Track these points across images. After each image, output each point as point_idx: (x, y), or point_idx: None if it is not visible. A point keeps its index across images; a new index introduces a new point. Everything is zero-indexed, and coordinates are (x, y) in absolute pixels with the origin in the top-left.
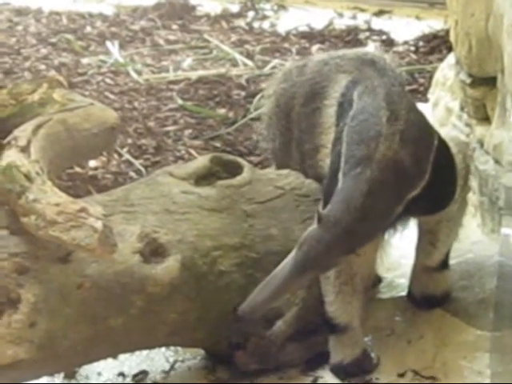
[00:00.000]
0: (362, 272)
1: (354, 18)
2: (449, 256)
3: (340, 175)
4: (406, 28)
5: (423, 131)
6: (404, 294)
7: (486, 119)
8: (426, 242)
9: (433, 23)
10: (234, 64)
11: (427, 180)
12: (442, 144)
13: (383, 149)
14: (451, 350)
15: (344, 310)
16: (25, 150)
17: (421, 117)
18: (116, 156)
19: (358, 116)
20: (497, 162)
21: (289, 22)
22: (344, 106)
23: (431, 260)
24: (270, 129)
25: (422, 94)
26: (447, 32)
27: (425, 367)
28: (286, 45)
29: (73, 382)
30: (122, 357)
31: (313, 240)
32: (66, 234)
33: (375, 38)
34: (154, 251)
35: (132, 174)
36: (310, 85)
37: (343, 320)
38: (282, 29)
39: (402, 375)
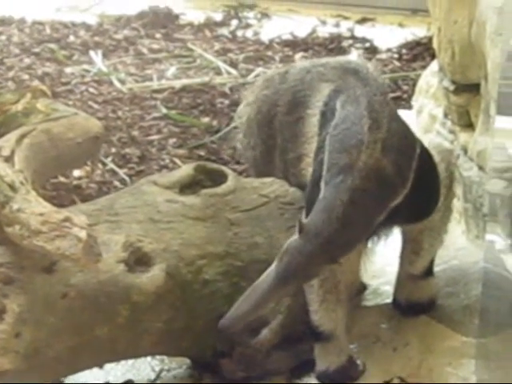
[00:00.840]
0: (345, 280)
1: (337, 25)
2: (433, 263)
3: (322, 184)
4: (389, 35)
5: (405, 140)
6: (389, 301)
7: (469, 126)
8: (410, 250)
9: (416, 30)
10: (218, 72)
11: (409, 189)
12: (425, 152)
13: (365, 157)
14: (437, 357)
15: (328, 318)
16: (9, 159)
17: (403, 125)
18: (100, 165)
19: (340, 125)
20: (481, 168)
21: (272, 30)
22: (327, 115)
23: (415, 268)
24: (249, 137)
25: (406, 101)
26: (430, 39)
27: (410, 374)
28: (270, 53)
29: None
30: (107, 366)
31: (294, 250)
32: (51, 244)
33: (358, 45)
34: (138, 260)
35: (116, 183)
36: (292, 93)
37: (328, 328)
38: (265, 37)
39: (387, 382)
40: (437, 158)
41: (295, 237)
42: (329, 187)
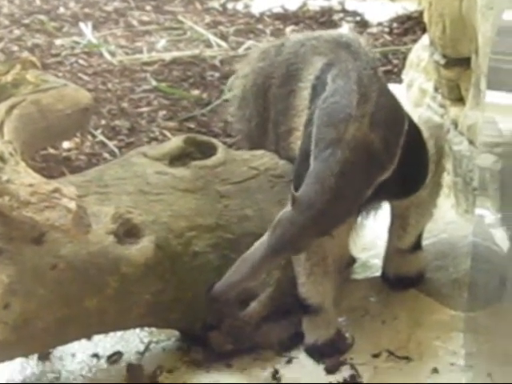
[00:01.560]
0: (333, 253)
1: None
2: (421, 237)
3: (311, 158)
4: (380, 9)
5: (393, 115)
6: (378, 274)
7: (460, 100)
8: (397, 225)
9: (407, 4)
10: (208, 45)
11: (397, 164)
12: (413, 128)
13: (352, 130)
14: (425, 331)
15: (316, 291)
16: None
17: (392, 100)
18: (90, 137)
19: (329, 98)
20: (471, 142)
21: (263, 3)
22: (317, 88)
23: (403, 243)
24: (244, 109)
25: (397, 75)
26: (421, 13)
27: (399, 347)
28: (260, 26)
29: (47, 363)
30: (96, 338)
31: (287, 222)
32: (40, 215)
33: (349, 19)
34: (128, 232)
35: (106, 155)
36: (286, 66)
37: (316, 301)
38: (256, 10)
39: (376, 355)
40: (426, 133)
41: (288, 208)
42: (318, 160)
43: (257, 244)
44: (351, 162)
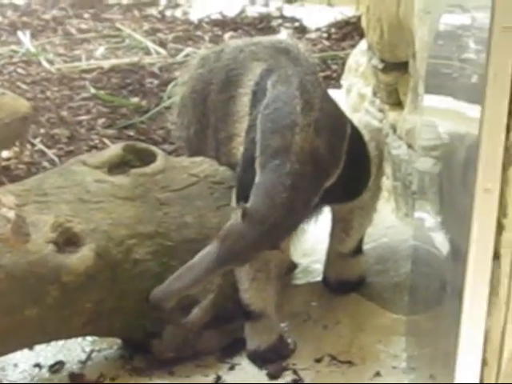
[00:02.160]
0: (275, 259)
1: (266, 5)
2: (362, 241)
3: (257, 165)
4: (318, 15)
5: (337, 120)
6: (320, 279)
7: (398, 104)
8: (339, 229)
9: (345, 10)
10: (147, 52)
11: (341, 168)
12: (355, 132)
13: (299, 140)
14: (367, 335)
15: (259, 297)
16: None
17: (334, 105)
18: (29, 146)
19: (271, 105)
20: (410, 146)
21: (201, 9)
22: (258, 94)
23: (344, 247)
24: (183, 116)
25: (336, 81)
26: (359, 18)
27: (341, 352)
28: (199, 33)
29: None
30: (38, 348)
31: (237, 235)
32: None
33: (288, 25)
34: (67, 240)
35: (45, 163)
36: (225, 72)
37: (258, 307)
38: (194, 17)
39: (318, 360)
40: (367, 136)
41: (237, 221)
42: (267, 171)
43: (202, 253)
44: (300, 172)
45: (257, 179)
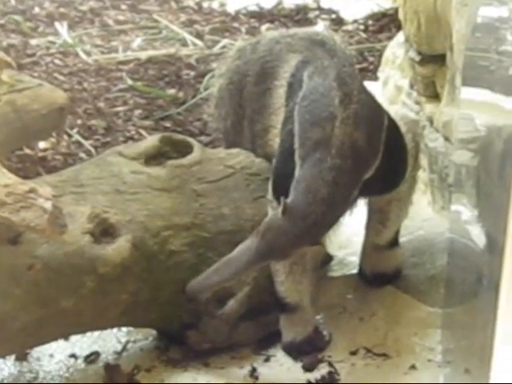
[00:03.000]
0: (311, 251)
1: None
2: (399, 233)
3: (296, 157)
4: (355, 7)
5: (374, 112)
6: (355, 271)
7: (435, 97)
8: (376, 220)
9: (382, 2)
10: (184, 44)
11: (379, 160)
12: (392, 124)
13: (340, 133)
14: (403, 327)
15: (294, 289)
16: None
17: (371, 97)
18: (66, 137)
19: (309, 96)
20: (446, 139)
21: (238, 1)
22: (294, 86)
23: (381, 238)
24: (221, 108)
25: (372, 73)
26: (396, 10)
27: (377, 344)
28: (236, 24)
29: (24, 363)
30: (73, 338)
31: (278, 230)
32: (16, 215)
33: (324, 17)
34: (104, 232)
35: (82, 154)
36: (261, 64)
37: (294, 299)
38: (231, 8)
39: (354, 353)
40: (403, 128)
41: (277, 216)
42: (307, 165)
43: (241, 247)
44: (341, 167)
45: (297, 172)
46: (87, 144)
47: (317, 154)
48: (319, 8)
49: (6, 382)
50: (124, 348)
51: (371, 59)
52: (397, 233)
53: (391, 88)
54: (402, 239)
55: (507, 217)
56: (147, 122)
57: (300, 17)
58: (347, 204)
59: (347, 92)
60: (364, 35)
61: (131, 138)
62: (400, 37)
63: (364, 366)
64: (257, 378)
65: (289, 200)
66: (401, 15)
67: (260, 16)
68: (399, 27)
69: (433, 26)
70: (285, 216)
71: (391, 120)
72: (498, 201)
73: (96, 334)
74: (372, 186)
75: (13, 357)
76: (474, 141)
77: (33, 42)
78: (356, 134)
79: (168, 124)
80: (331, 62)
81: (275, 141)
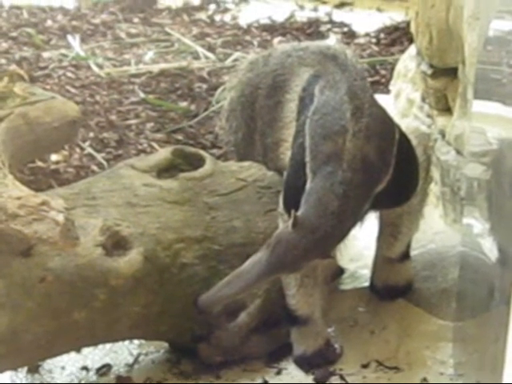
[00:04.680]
0: (323, 264)
1: (315, 10)
2: (410, 247)
3: (307, 170)
4: (367, 20)
5: (385, 125)
6: (367, 284)
7: (447, 110)
8: (388, 233)
9: (394, 15)
10: (196, 57)
11: (391, 174)
12: (403, 137)
13: (351, 147)
14: (414, 340)
15: (305, 302)
16: None
17: (382, 111)
18: (78, 150)
19: (320, 110)
20: (458, 152)
21: (250, 14)
22: (305, 100)
23: (392, 251)
24: (232, 120)
25: (384, 86)
26: (408, 24)
27: (388, 357)
28: (248, 37)
29: (36, 376)
30: (85, 350)
31: (288, 244)
32: (28, 228)
33: (336, 30)
34: (116, 244)
35: (94, 167)
36: (272, 77)
37: (305, 312)
38: (243, 21)
39: (365, 366)
40: (414, 141)
41: (288, 228)
42: (318, 178)
43: (252, 260)
44: (352, 181)
45: (308, 185)
46: (99, 157)
47: (328, 167)
48: (331, 21)
49: None
50: (136, 360)
51: (383, 72)
52: (408, 246)
53: (403, 101)
54: (413, 252)
55: None
56: (159, 135)
57: (312, 30)
58: (358, 217)
59: (358, 105)
60: (376, 48)
61: (143, 151)
62: (412, 50)
63: (375, 379)
64: None
65: (299, 213)
66: (413, 28)
67: (272, 29)
68: (411, 40)
69: (445, 40)
70: (295, 229)
71: (402, 133)
72: (510, 214)
73: (108, 346)
74: (383, 200)
75: (25, 369)
76: (486, 154)
77: (45, 54)
78: (367, 148)
79: (180, 137)
80: (342, 76)
81: (286, 154)
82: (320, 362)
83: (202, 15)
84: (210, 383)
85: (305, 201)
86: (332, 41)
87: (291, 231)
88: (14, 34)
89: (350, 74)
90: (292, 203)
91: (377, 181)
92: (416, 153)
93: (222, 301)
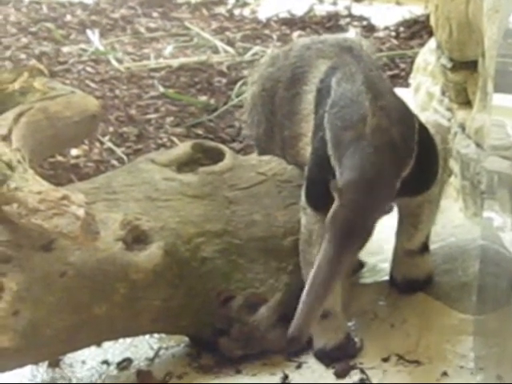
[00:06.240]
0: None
1: (334, 4)
2: (429, 239)
3: (332, 161)
4: (386, 13)
5: (405, 112)
6: (387, 278)
7: (467, 103)
8: (408, 224)
9: (413, 8)
10: (215, 51)
11: (414, 160)
12: (422, 126)
13: (373, 122)
14: (434, 334)
15: None
16: (6, 138)
17: (400, 100)
18: (98, 144)
19: (338, 102)
20: (478, 145)
21: (269, 8)
22: (322, 92)
23: (412, 243)
24: (253, 114)
25: (404, 79)
26: (428, 17)
27: (408, 351)
28: (267, 31)
29: (57, 370)
30: (105, 345)
31: (346, 214)
32: (49, 222)
33: (356, 23)
34: (136, 238)
35: (114, 162)
36: (292, 69)
37: (325, 305)
38: (262, 15)
39: (386, 359)
40: (432, 130)
41: (336, 206)
42: (347, 157)
43: (318, 264)
44: (380, 148)
45: (337, 174)
46: (119, 151)
47: (353, 147)
48: (350, 15)
49: None
50: (156, 354)
51: (403, 66)
52: (427, 238)
53: (423, 95)
54: (433, 246)
55: None
56: (179, 129)
57: (331, 24)
58: (392, 190)
59: (376, 93)
60: (395, 42)
61: (163, 145)
62: (431, 43)
63: (396, 373)
64: None
65: (339, 184)
66: (432, 22)
67: (291, 23)
68: (431, 34)
69: (464, 33)
70: (343, 198)
71: (421, 122)
72: None
73: (128, 340)
74: (407, 186)
75: (45, 363)
76: (506, 147)
77: (65, 49)
78: (392, 129)
79: (200, 131)
80: (358, 68)
81: (306, 149)
82: (340, 355)
83: (222, 9)
84: (230, 378)
85: (340, 175)
86: (351, 35)
87: (340, 204)
88: (33, 29)
89: (366, 64)
90: (315, 197)
91: (403, 163)
92: (436, 142)
93: (310, 318)
